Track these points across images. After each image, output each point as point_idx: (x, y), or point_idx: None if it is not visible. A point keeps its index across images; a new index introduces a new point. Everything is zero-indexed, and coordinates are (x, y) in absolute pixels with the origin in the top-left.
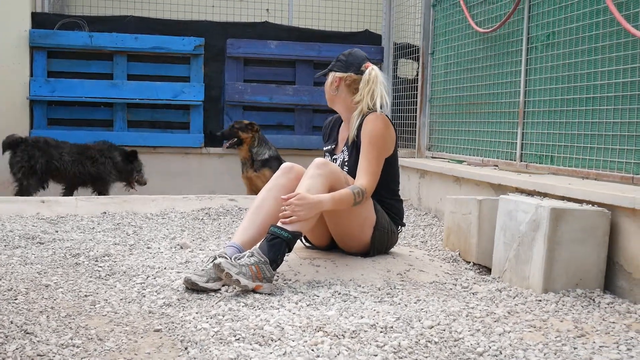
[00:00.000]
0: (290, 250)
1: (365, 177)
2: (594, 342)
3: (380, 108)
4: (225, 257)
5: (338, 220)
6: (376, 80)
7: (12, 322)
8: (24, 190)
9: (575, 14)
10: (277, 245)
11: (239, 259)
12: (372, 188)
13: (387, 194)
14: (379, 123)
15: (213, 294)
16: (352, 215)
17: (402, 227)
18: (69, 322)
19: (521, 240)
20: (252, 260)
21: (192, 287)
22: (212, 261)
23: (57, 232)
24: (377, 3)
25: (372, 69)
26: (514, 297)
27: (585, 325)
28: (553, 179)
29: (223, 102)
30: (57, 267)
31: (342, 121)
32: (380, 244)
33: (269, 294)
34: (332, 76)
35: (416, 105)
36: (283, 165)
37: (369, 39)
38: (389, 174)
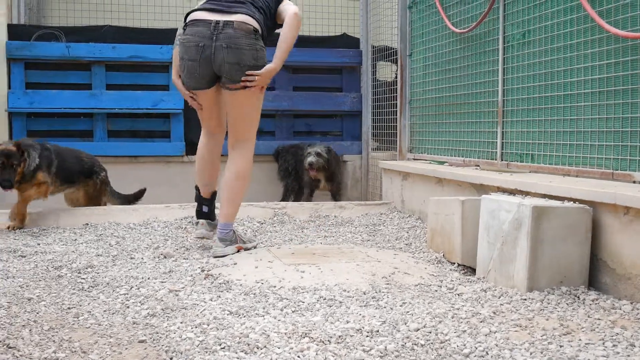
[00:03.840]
0: (198, 202)
1: None
2: (580, 340)
3: None
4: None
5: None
6: None
7: None
8: (288, 189)
9: (550, 12)
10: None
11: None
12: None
13: None
14: None
15: (198, 303)
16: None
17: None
18: (52, 336)
19: (504, 239)
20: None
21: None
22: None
23: (39, 244)
24: (354, 6)
25: None
26: (499, 297)
27: (571, 322)
28: (534, 177)
29: None
30: (40, 280)
31: None
32: None
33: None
34: None
35: (396, 108)
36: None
37: (347, 42)
38: None
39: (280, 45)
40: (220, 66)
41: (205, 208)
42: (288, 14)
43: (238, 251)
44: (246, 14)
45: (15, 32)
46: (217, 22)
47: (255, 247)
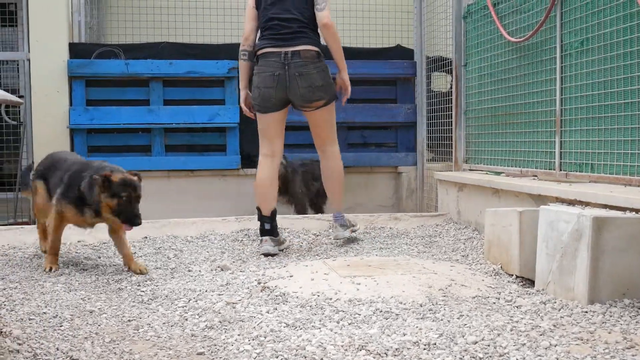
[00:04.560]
0: (261, 222)
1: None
2: None
3: None
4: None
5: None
6: None
7: (57, 349)
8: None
9: (609, 19)
10: None
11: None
12: (244, 39)
13: None
14: None
15: (254, 315)
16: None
17: None
18: (114, 348)
19: (564, 251)
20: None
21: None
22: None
23: (99, 257)
24: (407, 18)
25: None
26: (559, 310)
27: (635, 336)
28: (594, 187)
29: None
30: (101, 293)
31: None
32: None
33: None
34: None
35: (451, 118)
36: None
37: (401, 53)
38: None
39: (335, 57)
40: (295, 91)
41: (268, 225)
42: (320, 27)
43: (350, 233)
44: (307, 43)
45: (76, 50)
46: (286, 53)
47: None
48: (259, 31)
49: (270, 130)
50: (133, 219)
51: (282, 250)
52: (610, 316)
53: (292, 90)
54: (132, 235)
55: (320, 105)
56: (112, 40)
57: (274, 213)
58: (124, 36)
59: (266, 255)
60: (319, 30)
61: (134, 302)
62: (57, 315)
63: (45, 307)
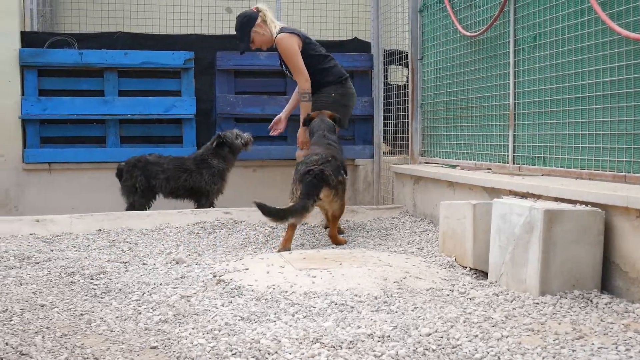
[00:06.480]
0: None
1: (298, 78)
2: (593, 344)
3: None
4: None
5: None
6: (268, 14)
7: (7, 344)
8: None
9: (561, 15)
10: None
11: None
12: (306, 80)
13: (318, 74)
14: (281, 39)
15: (209, 309)
16: None
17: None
18: (65, 342)
19: (516, 243)
20: None
21: None
22: None
23: (52, 251)
24: (365, 10)
25: (263, 9)
26: (511, 301)
27: (584, 326)
28: (546, 181)
29: (215, 115)
30: (53, 287)
31: None
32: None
33: None
34: (252, 36)
35: (408, 112)
36: None
37: (358, 46)
38: (310, 61)
39: None
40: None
41: None
42: None
43: None
44: None
45: (28, 39)
46: (348, 79)
47: None
48: (323, 64)
49: None
50: None
51: None
52: (561, 307)
53: (352, 107)
54: (86, 227)
55: None
56: (65, 30)
57: None
58: (78, 25)
59: None
60: None
61: (86, 295)
62: (6, 310)
63: None
